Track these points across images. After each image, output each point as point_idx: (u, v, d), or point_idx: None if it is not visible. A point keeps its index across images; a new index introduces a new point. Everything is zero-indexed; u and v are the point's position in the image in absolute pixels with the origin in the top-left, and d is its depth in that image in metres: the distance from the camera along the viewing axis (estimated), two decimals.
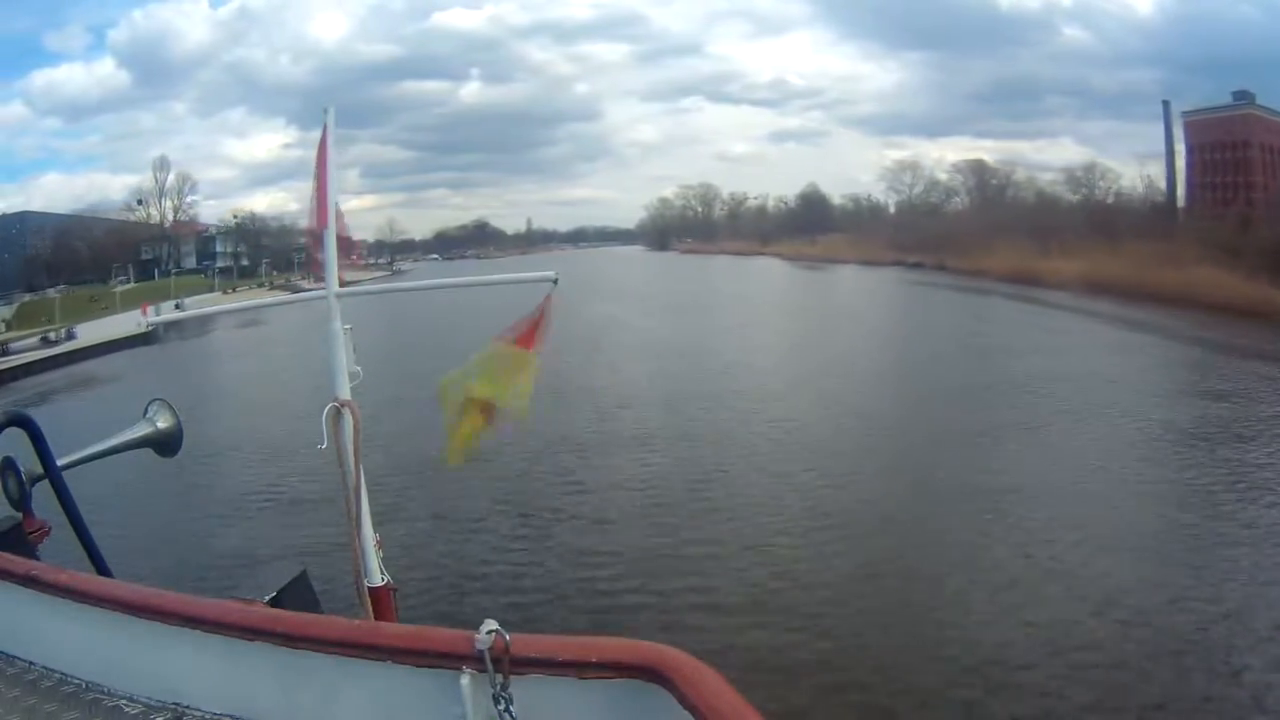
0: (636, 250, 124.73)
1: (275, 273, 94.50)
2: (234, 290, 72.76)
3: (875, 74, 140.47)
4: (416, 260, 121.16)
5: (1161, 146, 66.81)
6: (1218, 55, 68.33)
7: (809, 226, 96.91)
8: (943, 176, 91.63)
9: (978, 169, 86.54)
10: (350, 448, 3.26)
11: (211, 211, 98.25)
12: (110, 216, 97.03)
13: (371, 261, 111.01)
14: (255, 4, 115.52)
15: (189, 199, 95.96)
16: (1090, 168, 73.71)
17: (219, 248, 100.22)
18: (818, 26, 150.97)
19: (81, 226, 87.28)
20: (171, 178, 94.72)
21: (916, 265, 69.06)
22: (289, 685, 2.07)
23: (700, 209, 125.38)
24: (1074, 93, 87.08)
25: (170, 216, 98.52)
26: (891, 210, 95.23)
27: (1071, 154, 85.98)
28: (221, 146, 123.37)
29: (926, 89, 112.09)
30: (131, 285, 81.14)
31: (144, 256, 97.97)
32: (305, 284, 74.21)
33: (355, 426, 3.26)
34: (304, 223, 3.81)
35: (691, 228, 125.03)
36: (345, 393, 3.32)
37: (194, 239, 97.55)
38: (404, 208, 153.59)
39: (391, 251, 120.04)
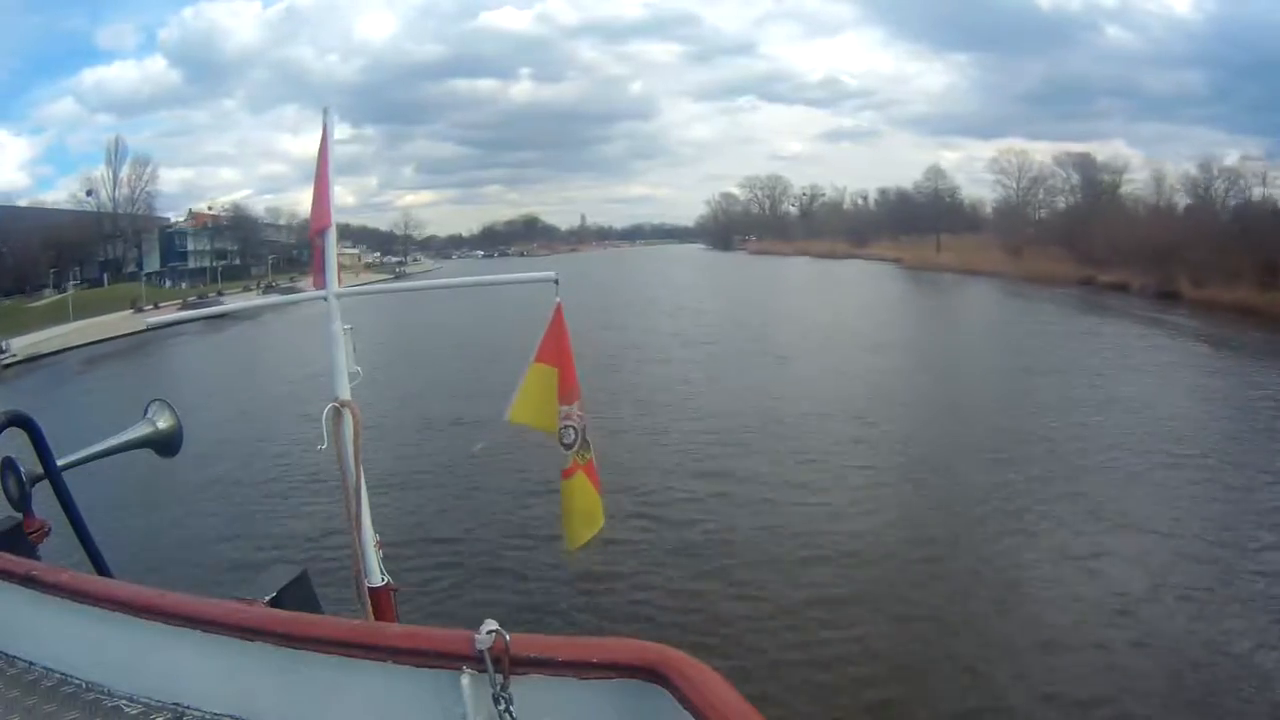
0: (696, 249, 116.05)
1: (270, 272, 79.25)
2: (155, 307, 54.71)
3: (925, 75, 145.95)
4: (459, 257, 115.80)
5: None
6: (1266, 58, 66.65)
7: (920, 224, 74.68)
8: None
9: (1083, 163, 74.64)
10: (350, 448, 3.19)
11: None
12: (63, 209, 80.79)
13: (376, 262, 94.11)
14: (303, 4, 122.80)
15: (148, 188, 79.09)
16: (1207, 166, 62.85)
17: (190, 246, 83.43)
18: (865, 28, 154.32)
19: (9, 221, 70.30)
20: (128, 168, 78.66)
21: (1117, 288, 46.26)
22: (289, 685, 2.05)
23: (768, 204, 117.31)
24: (1124, 94, 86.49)
25: (141, 210, 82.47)
26: (988, 209, 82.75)
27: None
28: (276, 142, 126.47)
29: (976, 90, 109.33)
30: (55, 297, 64.00)
31: (103, 256, 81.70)
32: (223, 297, 56.22)
33: (355, 426, 3.19)
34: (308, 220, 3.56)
35: (756, 225, 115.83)
36: (345, 393, 3.24)
37: (157, 235, 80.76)
38: (459, 204, 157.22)
39: (406, 248, 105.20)
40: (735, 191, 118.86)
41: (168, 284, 78.55)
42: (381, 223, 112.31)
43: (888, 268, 67.30)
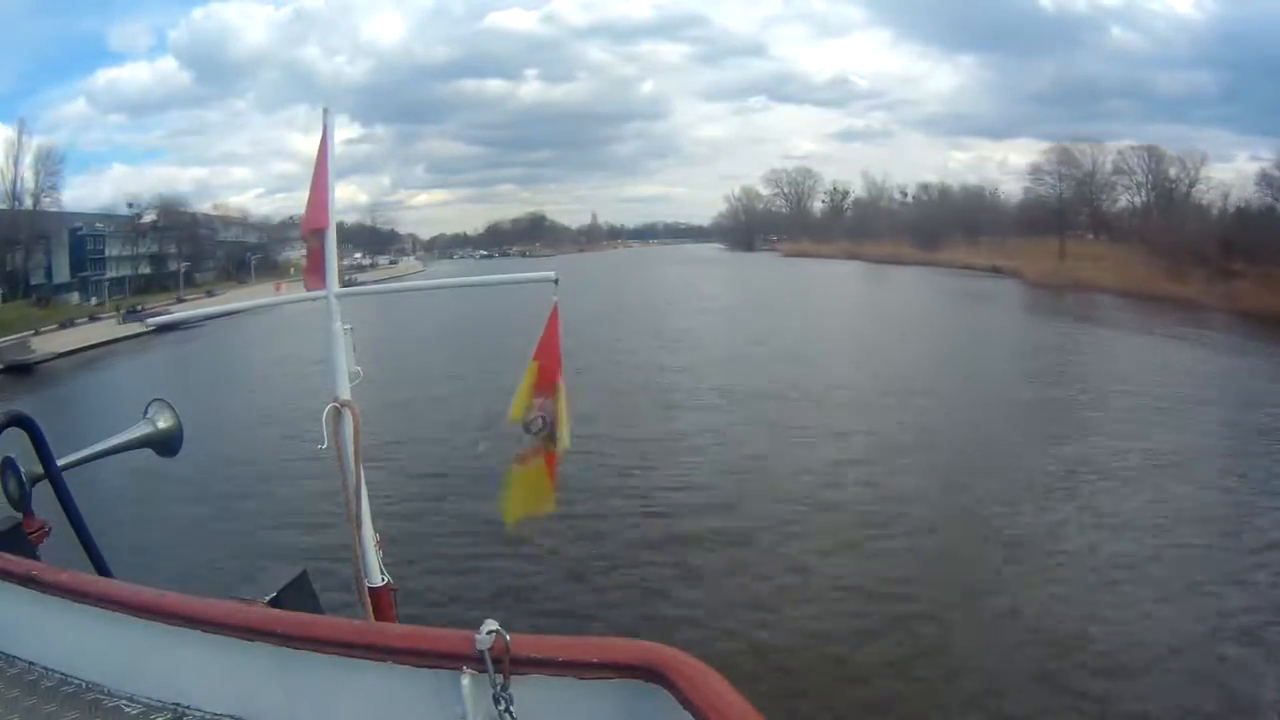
0: (714, 250, 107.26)
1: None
2: None
3: (934, 76, 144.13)
4: (459, 257, 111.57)
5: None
6: (1274, 57, 65.54)
7: (1024, 225, 60.12)
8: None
9: (1151, 158, 66.60)
10: (350, 448, 3.17)
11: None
12: None
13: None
14: (312, 6, 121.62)
15: (51, 181, 64.10)
16: None
17: (109, 251, 68.29)
18: (873, 29, 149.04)
19: None
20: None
21: None
22: (289, 685, 2.03)
23: (794, 201, 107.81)
24: (1133, 95, 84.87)
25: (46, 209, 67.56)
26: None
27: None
28: (287, 141, 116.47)
29: (987, 91, 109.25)
30: None
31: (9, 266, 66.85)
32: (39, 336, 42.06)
33: (355, 426, 3.17)
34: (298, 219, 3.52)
35: (780, 223, 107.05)
36: (345, 393, 3.22)
37: (65, 238, 65.54)
38: (473, 203, 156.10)
39: (375, 249, 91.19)
40: (759, 188, 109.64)
41: (76, 298, 63.63)
42: (381, 222, 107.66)
43: (999, 284, 50.95)
